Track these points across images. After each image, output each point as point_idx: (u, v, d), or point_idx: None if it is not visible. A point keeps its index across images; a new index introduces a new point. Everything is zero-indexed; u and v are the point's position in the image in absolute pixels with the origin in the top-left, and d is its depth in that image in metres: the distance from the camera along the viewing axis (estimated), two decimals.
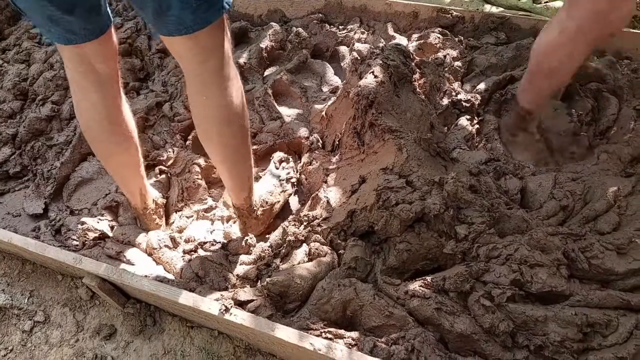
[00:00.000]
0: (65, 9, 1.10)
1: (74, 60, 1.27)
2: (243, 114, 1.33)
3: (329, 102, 1.99)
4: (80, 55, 1.25)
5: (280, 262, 1.50)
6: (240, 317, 1.25)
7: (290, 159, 1.88)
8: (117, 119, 1.41)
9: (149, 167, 1.88)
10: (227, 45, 1.21)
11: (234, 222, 1.77)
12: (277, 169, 1.83)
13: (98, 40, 1.23)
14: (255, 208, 1.65)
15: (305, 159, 1.86)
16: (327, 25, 2.41)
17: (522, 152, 1.74)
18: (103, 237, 1.71)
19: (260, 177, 1.89)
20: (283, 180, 1.79)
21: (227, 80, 1.24)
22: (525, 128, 1.72)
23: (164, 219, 1.77)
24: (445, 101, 1.88)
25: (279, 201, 1.76)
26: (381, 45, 2.04)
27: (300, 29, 2.32)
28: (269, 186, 1.75)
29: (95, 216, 1.77)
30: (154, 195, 1.72)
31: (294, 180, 1.82)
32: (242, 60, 2.18)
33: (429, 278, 1.33)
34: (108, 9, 1.25)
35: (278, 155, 1.88)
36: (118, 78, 1.39)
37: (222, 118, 1.30)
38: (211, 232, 1.73)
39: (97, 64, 1.28)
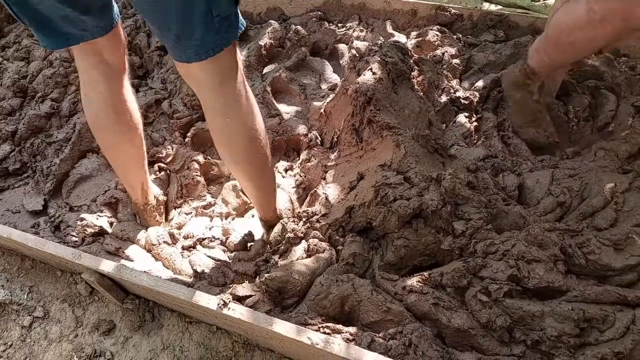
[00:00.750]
0: (81, 10, 1.15)
1: (86, 54, 1.32)
2: (264, 128, 1.34)
3: (328, 99, 1.99)
4: (92, 48, 1.30)
5: (279, 258, 1.51)
6: (238, 311, 1.26)
7: (294, 165, 1.87)
8: (123, 109, 1.44)
9: (148, 164, 1.89)
10: (240, 67, 1.22)
11: (232, 219, 1.77)
12: (284, 177, 1.83)
13: (108, 35, 1.29)
14: (282, 218, 1.64)
15: (303, 156, 1.87)
16: (326, 23, 2.42)
17: (516, 111, 1.75)
18: (102, 233, 1.71)
19: None
20: (294, 187, 1.79)
21: (246, 98, 1.24)
22: (526, 86, 1.70)
23: (164, 215, 1.77)
24: (444, 98, 1.89)
25: (296, 207, 1.76)
26: (380, 42, 2.04)
27: (299, 27, 2.33)
28: (285, 196, 1.74)
29: (95, 212, 1.78)
30: (155, 191, 1.73)
31: (302, 184, 1.81)
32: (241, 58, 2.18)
33: (426, 274, 1.33)
34: (116, 4, 1.29)
35: (282, 165, 1.88)
36: (126, 69, 1.43)
37: (249, 137, 1.29)
38: (210, 229, 1.74)
39: (107, 56, 1.34)
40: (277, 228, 1.60)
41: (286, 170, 1.86)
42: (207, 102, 1.24)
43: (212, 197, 1.86)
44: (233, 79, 1.19)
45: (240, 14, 1.14)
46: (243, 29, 1.15)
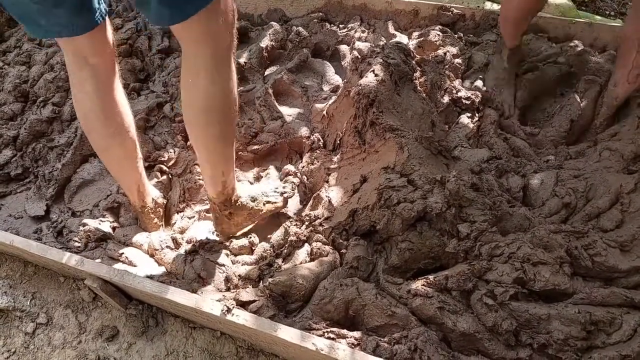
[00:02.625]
0: (53, 3, 1.13)
1: (70, 53, 1.32)
2: (229, 105, 1.30)
3: (330, 101, 1.98)
4: (74, 48, 1.30)
5: (282, 262, 1.50)
6: (242, 317, 1.25)
7: (297, 173, 1.84)
8: (112, 112, 1.43)
9: (150, 168, 1.88)
10: (225, 35, 1.19)
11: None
12: (280, 180, 1.82)
13: (88, 34, 1.26)
14: (226, 206, 1.56)
15: (306, 158, 1.86)
16: (327, 24, 2.41)
17: (488, 74, 1.96)
18: (105, 238, 1.71)
19: (262, 177, 1.89)
20: (277, 192, 1.72)
21: (218, 68, 1.22)
22: (499, 53, 1.93)
23: (163, 219, 1.76)
24: (446, 99, 1.88)
25: (260, 210, 1.66)
26: (382, 43, 2.03)
27: (300, 28, 2.32)
28: (257, 192, 1.68)
29: (97, 217, 1.77)
30: (153, 194, 1.72)
31: (287, 195, 1.73)
32: (242, 60, 2.18)
33: (431, 277, 1.33)
34: (102, 5, 1.26)
35: (287, 168, 1.86)
36: (115, 72, 1.42)
37: (203, 104, 1.26)
38: (213, 233, 1.73)
39: (91, 57, 1.32)
40: (280, 231, 1.60)
41: (287, 174, 1.85)
42: (182, 56, 1.23)
43: None
44: (210, 43, 1.17)
45: None
46: None
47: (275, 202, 1.70)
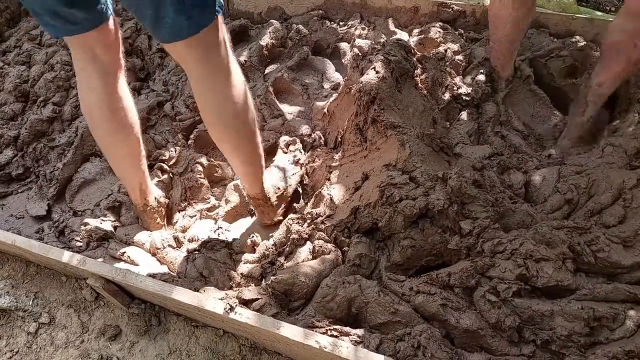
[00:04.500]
0: (65, 2, 1.16)
1: (79, 49, 1.34)
2: (248, 106, 1.36)
3: (331, 99, 1.98)
4: (84, 43, 1.31)
5: (285, 260, 1.50)
6: (245, 315, 1.25)
7: (297, 141, 1.88)
8: (117, 108, 1.45)
9: (151, 167, 1.88)
10: (225, 43, 1.24)
11: (235, 219, 1.77)
12: (286, 153, 1.83)
13: (98, 29, 1.29)
14: (269, 196, 1.66)
15: (307, 156, 1.86)
16: (327, 21, 2.41)
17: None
18: (106, 237, 1.71)
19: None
20: (291, 163, 1.80)
21: (228, 77, 1.27)
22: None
23: (165, 219, 1.76)
24: (447, 96, 1.87)
25: (290, 185, 1.76)
26: (382, 40, 2.02)
27: (300, 26, 2.32)
28: (278, 172, 1.76)
29: (99, 217, 1.77)
30: (156, 193, 1.72)
31: (301, 160, 1.83)
32: (242, 59, 2.17)
33: (434, 274, 1.32)
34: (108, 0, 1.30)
35: (284, 139, 1.88)
36: (121, 68, 1.44)
37: (228, 114, 1.33)
38: (215, 231, 1.73)
39: (100, 53, 1.34)
40: (282, 229, 1.59)
41: (287, 145, 1.87)
42: (190, 78, 1.29)
43: (217, 200, 1.85)
44: (215, 55, 1.23)
45: None
46: (221, 11, 1.19)
47: (296, 172, 1.80)
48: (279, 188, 1.71)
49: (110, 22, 1.33)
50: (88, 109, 1.46)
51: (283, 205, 1.76)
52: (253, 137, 1.44)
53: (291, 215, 1.66)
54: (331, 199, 1.59)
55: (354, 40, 2.21)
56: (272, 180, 1.71)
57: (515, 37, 1.77)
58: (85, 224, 1.70)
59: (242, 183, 1.70)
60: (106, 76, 1.40)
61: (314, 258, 1.47)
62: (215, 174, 1.91)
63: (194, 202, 1.83)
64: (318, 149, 1.85)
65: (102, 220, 1.75)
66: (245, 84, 1.35)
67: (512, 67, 1.88)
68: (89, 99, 1.43)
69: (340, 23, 2.41)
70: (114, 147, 1.54)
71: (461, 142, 1.73)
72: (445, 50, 2.01)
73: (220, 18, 1.20)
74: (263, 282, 1.44)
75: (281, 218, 1.74)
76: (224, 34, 1.23)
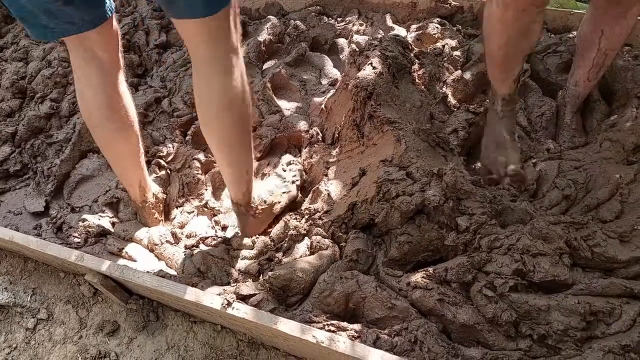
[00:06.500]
0: (64, 1, 1.13)
1: (78, 48, 1.32)
2: (244, 102, 1.31)
3: (328, 95, 1.98)
4: (82, 43, 1.29)
5: (282, 255, 1.50)
6: (242, 311, 1.25)
7: (298, 162, 1.84)
8: (117, 106, 1.43)
9: (149, 163, 1.88)
10: (235, 34, 1.21)
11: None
12: (285, 171, 1.81)
13: (98, 29, 1.27)
14: (253, 206, 1.59)
15: (305, 152, 1.86)
16: (325, 17, 2.40)
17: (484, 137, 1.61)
18: (104, 233, 1.71)
19: (265, 174, 1.88)
20: (288, 181, 1.74)
21: (231, 67, 1.24)
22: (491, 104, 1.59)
23: (163, 214, 1.76)
24: (445, 90, 1.87)
25: (279, 202, 1.68)
26: (380, 36, 2.02)
27: (298, 22, 2.31)
28: (271, 186, 1.70)
29: (96, 213, 1.77)
30: (154, 189, 1.72)
31: (299, 182, 1.76)
32: None
33: (431, 269, 1.33)
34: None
35: (286, 158, 1.86)
36: (120, 66, 1.42)
37: (222, 103, 1.28)
38: (212, 227, 1.73)
39: (99, 52, 1.33)
40: (280, 225, 1.59)
41: (288, 164, 1.85)
42: (193, 60, 1.25)
43: (214, 196, 1.85)
44: (223, 41, 1.20)
45: None
46: None
47: (290, 192, 1.72)
48: (265, 201, 1.62)
49: (110, 21, 1.31)
50: (87, 108, 1.43)
51: (267, 222, 1.68)
52: (244, 135, 1.38)
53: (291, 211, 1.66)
54: (329, 195, 1.59)
55: (352, 36, 2.20)
56: (260, 192, 1.64)
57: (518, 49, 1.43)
58: (83, 220, 1.70)
59: (226, 185, 1.58)
60: (106, 75, 1.38)
61: (311, 254, 1.47)
62: (213, 170, 1.90)
63: (192, 198, 1.83)
64: (315, 145, 1.85)
65: (100, 216, 1.75)
66: (246, 81, 1.31)
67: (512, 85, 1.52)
68: (88, 98, 1.41)
69: (338, 19, 2.41)
70: (113, 145, 1.52)
71: None
72: (443, 46, 2.00)
73: (236, 5, 1.17)
74: (261, 277, 1.44)
75: (261, 231, 1.67)
76: (236, 23, 1.20)
